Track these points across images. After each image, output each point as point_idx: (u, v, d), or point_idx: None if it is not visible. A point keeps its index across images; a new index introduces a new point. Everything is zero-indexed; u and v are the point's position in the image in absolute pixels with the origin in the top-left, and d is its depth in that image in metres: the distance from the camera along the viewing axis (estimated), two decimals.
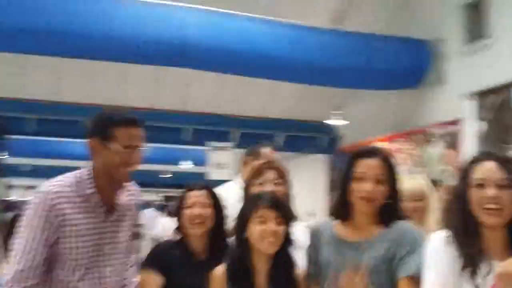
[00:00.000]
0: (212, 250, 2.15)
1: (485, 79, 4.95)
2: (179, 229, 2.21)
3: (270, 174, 2.31)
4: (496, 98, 4.94)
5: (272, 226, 1.87)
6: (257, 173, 2.33)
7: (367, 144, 6.97)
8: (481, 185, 1.60)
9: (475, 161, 1.67)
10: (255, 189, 2.26)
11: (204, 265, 2.04)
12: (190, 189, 2.22)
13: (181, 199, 2.21)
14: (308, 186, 8.20)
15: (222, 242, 2.18)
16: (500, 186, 1.58)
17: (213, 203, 2.21)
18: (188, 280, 2.06)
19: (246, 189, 2.33)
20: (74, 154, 8.57)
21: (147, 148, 2.05)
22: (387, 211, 1.88)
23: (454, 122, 5.42)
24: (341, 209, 1.92)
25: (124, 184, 2.07)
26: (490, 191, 1.58)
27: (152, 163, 10.75)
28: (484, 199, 1.58)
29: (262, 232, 1.86)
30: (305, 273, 1.99)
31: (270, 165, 2.36)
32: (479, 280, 1.58)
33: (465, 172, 1.67)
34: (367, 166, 1.85)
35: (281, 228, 1.89)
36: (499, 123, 4.91)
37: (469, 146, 5.12)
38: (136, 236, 2.18)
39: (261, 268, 1.91)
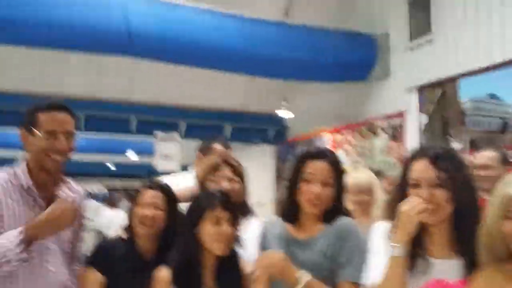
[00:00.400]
0: (160, 252, 2.08)
1: (428, 73, 5.11)
2: (128, 226, 2.14)
3: (226, 171, 2.30)
4: (438, 92, 5.10)
5: (227, 228, 1.85)
6: (213, 169, 2.31)
7: (313, 135, 7.07)
8: (416, 185, 1.61)
9: (412, 158, 1.67)
10: (211, 186, 2.25)
11: (151, 266, 1.98)
12: (147, 187, 2.15)
13: (136, 195, 2.14)
14: (256, 177, 8.21)
15: (171, 244, 2.13)
16: (433, 185, 1.58)
17: (167, 205, 2.13)
18: (133, 280, 1.99)
19: (201, 185, 2.31)
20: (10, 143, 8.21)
21: (80, 135, 1.99)
22: (332, 212, 1.89)
23: (398, 115, 5.56)
24: (289, 210, 1.93)
25: (61, 176, 2.01)
26: (423, 192, 1.58)
27: (97, 153, 10.51)
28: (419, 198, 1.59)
29: (216, 233, 1.84)
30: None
31: (226, 161, 2.33)
32: (414, 276, 1.60)
33: (404, 169, 1.68)
34: (316, 168, 1.86)
35: (233, 230, 1.89)
36: (441, 116, 5.08)
37: (412, 138, 5.27)
38: (80, 229, 2.11)
39: (209, 266, 1.89)
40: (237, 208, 1.97)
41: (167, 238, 2.11)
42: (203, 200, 1.93)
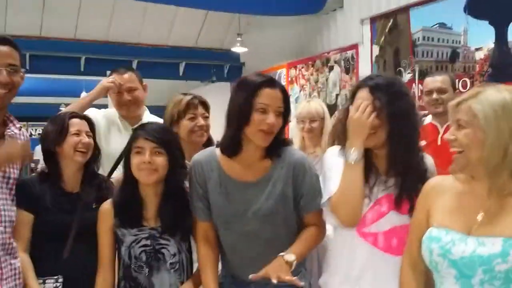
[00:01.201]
0: (86, 184, 2.05)
1: (380, 4, 5.09)
2: (51, 159, 2.06)
3: (200, 109, 2.35)
4: (389, 23, 5.11)
5: (146, 157, 1.81)
6: (188, 107, 2.32)
7: (268, 71, 7.03)
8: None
9: (358, 87, 1.77)
10: (186, 124, 2.30)
11: (77, 200, 1.98)
12: (72, 117, 2.07)
13: (62, 125, 2.03)
14: (213, 114, 8.18)
15: (96, 176, 2.10)
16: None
17: (92, 135, 2.11)
18: (59, 215, 1.96)
19: (177, 123, 2.31)
20: None
21: (29, 76, 1.92)
22: (276, 144, 1.81)
23: (351, 47, 5.57)
24: (233, 143, 1.79)
25: (8, 116, 1.95)
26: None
27: (50, 95, 10.18)
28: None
29: (138, 163, 1.82)
30: (194, 208, 1.88)
31: (199, 99, 2.36)
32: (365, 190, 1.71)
33: (351, 96, 1.78)
34: (270, 98, 1.74)
35: (159, 159, 1.82)
36: (392, 46, 5.12)
37: (364, 70, 5.31)
38: (32, 172, 2.07)
39: (150, 201, 1.88)
40: (166, 138, 1.89)
41: (92, 170, 2.09)
42: (132, 135, 1.91)
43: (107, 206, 1.91)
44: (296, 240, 1.80)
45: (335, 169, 1.75)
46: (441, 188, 1.52)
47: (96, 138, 2.16)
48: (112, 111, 2.82)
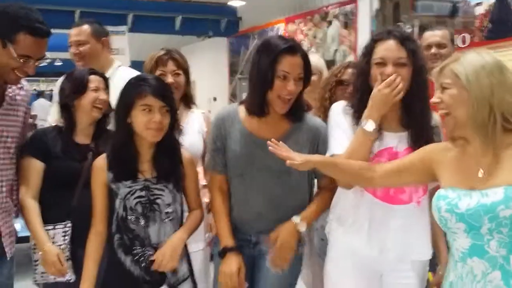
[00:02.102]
0: (96, 138, 2.11)
1: None
2: (68, 113, 2.10)
3: (170, 65, 2.27)
4: None
5: (157, 116, 1.80)
6: (157, 64, 2.27)
7: (266, 26, 6.94)
8: (381, 64, 1.71)
9: (377, 39, 1.75)
10: None
11: (87, 151, 2.03)
12: (91, 74, 2.12)
13: (82, 80, 2.09)
14: (209, 70, 8.13)
15: (106, 131, 2.14)
16: (397, 64, 1.69)
17: (107, 91, 2.15)
18: (69, 164, 2.03)
19: None
20: None
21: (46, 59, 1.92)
22: (296, 107, 1.88)
23: (350, 1, 5.48)
24: (259, 106, 1.85)
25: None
26: (388, 69, 1.69)
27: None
28: (383, 75, 1.69)
29: (147, 122, 1.80)
30: (207, 161, 1.99)
31: (170, 56, 2.29)
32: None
33: (367, 50, 1.76)
34: (291, 65, 1.79)
35: (166, 118, 1.84)
36: (392, 1, 5.04)
37: (364, 25, 5.25)
38: (30, 128, 2.09)
39: (145, 153, 1.89)
40: (171, 96, 1.91)
41: (103, 125, 2.14)
42: (133, 87, 1.86)
43: (100, 160, 1.91)
44: (309, 205, 1.90)
45: (339, 128, 1.80)
46: (443, 153, 1.58)
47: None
48: None
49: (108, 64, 2.74)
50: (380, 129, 1.73)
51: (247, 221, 1.92)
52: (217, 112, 2.00)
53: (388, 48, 1.71)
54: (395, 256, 1.75)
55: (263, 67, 1.80)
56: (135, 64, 4.27)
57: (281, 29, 6.73)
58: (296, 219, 1.84)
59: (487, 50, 1.50)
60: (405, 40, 1.71)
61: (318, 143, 1.90)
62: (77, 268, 1.97)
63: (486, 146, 1.43)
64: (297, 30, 6.45)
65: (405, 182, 1.69)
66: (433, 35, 2.83)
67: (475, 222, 1.40)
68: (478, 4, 4.24)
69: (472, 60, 1.45)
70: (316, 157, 1.75)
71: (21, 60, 1.78)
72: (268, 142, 1.66)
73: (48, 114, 3.35)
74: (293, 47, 1.81)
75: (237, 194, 1.93)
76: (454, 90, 1.45)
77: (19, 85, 1.99)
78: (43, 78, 12.93)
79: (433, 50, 2.75)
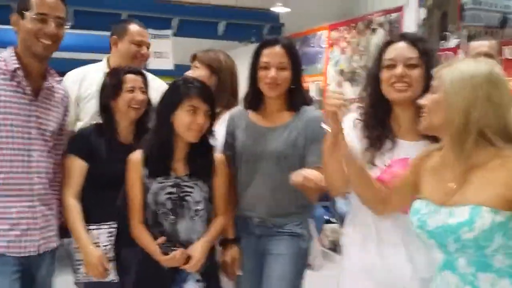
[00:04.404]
0: (139, 136, 2.12)
1: None
2: (107, 113, 2.13)
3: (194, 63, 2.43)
4: None
5: (201, 118, 1.86)
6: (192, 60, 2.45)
7: (309, 32, 6.91)
8: (391, 66, 1.66)
9: (388, 43, 1.72)
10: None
11: (131, 150, 2.03)
12: (127, 73, 2.12)
13: (118, 81, 2.11)
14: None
15: (148, 129, 2.14)
16: (408, 66, 1.64)
17: (145, 89, 2.16)
18: (114, 165, 2.04)
19: None
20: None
21: (71, 31, 1.96)
22: (293, 96, 2.05)
23: (396, 9, 5.40)
24: (252, 98, 2.07)
25: (49, 69, 2.01)
26: (398, 70, 1.63)
27: (82, 51, 10.25)
28: (393, 77, 1.64)
29: (191, 123, 1.86)
30: (223, 156, 2.09)
31: (195, 55, 2.42)
32: (382, 156, 1.68)
33: (378, 54, 1.72)
34: (270, 55, 1.99)
35: (208, 122, 1.90)
36: (440, 10, 4.94)
37: None
38: (65, 121, 2.13)
39: (180, 153, 1.93)
40: (214, 100, 1.97)
41: (145, 123, 2.14)
42: (180, 88, 1.90)
43: (137, 155, 1.94)
44: None
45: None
46: (426, 159, 1.54)
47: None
48: None
49: None
50: (394, 137, 1.68)
51: (252, 204, 2.06)
52: (230, 112, 2.21)
53: (399, 48, 1.66)
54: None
55: (251, 65, 2.05)
56: (179, 68, 4.31)
57: (324, 36, 6.69)
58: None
59: (494, 62, 1.44)
60: (417, 41, 1.67)
61: (312, 132, 1.98)
62: (121, 268, 2.00)
63: (458, 156, 1.38)
64: (341, 38, 6.40)
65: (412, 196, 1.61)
66: (481, 45, 2.79)
67: (442, 241, 1.40)
68: None
69: (464, 67, 1.39)
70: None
71: (40, 20, 1.85)
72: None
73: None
74: (272, 40, 2.04)
75: (243, 180, 2.08)
76: (436, 94, 1.41)
77: (57, 78, 2.03)
78: None
79: None
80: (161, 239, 1.87)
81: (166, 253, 1.85)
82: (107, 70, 2.37)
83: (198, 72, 2.34)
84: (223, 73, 2.36)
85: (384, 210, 1.66)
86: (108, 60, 2.61)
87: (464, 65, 1.40)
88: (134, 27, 2.56)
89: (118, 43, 2.55)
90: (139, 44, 2.55)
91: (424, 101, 1.46)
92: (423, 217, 1.43)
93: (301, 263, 2.06)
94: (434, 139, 1.63)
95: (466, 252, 1.36)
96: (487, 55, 2.71)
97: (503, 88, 1.37)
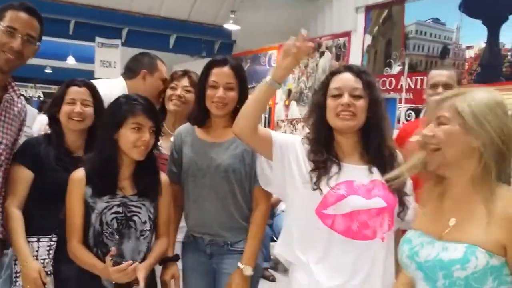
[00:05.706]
0: (89, 148, 2.06)
1: None
2: (54, 124, 2.09)
3: (184, 81, 2.51)
4: (384, 13, 5.10)
5: (147, 136, 1.83)
6: (172, 78, 2.52)
7: (259, 51, 6.99)
8: (337, 95, 1.70)
9: (334, 72, 1.76)
10: (167, 91, 2.50)
11: (79, 161, 1.97)
12: (70, 85, 2.09)
13: (61, 94, 2.07)
14: None
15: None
16: (354, 96, 1.69)
17: (93, 101, 2.10)
18: (60, 175, 1.96)
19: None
20: None
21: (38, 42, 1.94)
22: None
23: (344, 34, 5.56)
24: (199, 115, 2.07)
25: (10, 81, 1.97)
26: (345, 99, 1.68)
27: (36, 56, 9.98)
28: (339, 106, 1.69)
29: (136, 140, 1.82)
30: (168, 172, 2.08)
31: (186, 72, 2.52)
32: (327, 179, 1.69)
33: (324, 84, 1.76)
34: (219, 75, 2.01)
35: (153, 139, 1.88)
36: (385, 37, 5.12)
37: (355, 58, 5.31)
38: (20, 134, 2.07)
39: (126, 171, 1.88)
40: (158, 117, 1.97)
41: (94, 135, 2.09)
42: (124, 105, 1.87)
43: (79, 174, 1.87)
44: (246, 246, 1.99)
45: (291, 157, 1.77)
46: (426, 195, 1.51)
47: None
48: None
49: None
50: (339, 161, 1.71)
51: (202, 221, 2.04)
52: (177, 129, 2.19)
53: (344, 79, 1.72)
54: None
55: (199, 82, 2.09)
56: None
57: (273, 55, 6.79)
58: (241, 265, 1.96)
59: (490, 89, 1.42)
60: (361, 73, 1.73)
61: (248, 150, 1.99)
62: (59, 283, 1.93)
63: (470, 192, 1.35)
64: None
65: None
66: (440, 75, 2.59)
67: (431, 274, 1.35)
68: (469, 47, 4.32)
69: (479, 97, 1.35)
70: None
71: (8, 32, 1.83)
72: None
73: (34, 122, 3.29)
74: (221, 60, 2.04)
75: (190, 195, 2.05)
76: (451, 126, 1.36)
77: (18, 92, 2.00)
78: (31, 84, 12.85)
79: (440, 89, 2.48)
80: (113, 251, 1.81)
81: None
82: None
83: (190, 97, 2.44)
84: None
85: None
86: (126, 85, 2.64)
87: (477, 95, 1.36)
88: (162, 66, 2.70)
89: (147, 77, 2.64)
90: (164, 81, 2.66)
91: (432, 133, 1.40)
92: (415, 248, 1.40)
93: (254, 281, 2.04)
94: (378, 163, 1.69)
95: None
96: (447, 85, 2.52)
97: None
